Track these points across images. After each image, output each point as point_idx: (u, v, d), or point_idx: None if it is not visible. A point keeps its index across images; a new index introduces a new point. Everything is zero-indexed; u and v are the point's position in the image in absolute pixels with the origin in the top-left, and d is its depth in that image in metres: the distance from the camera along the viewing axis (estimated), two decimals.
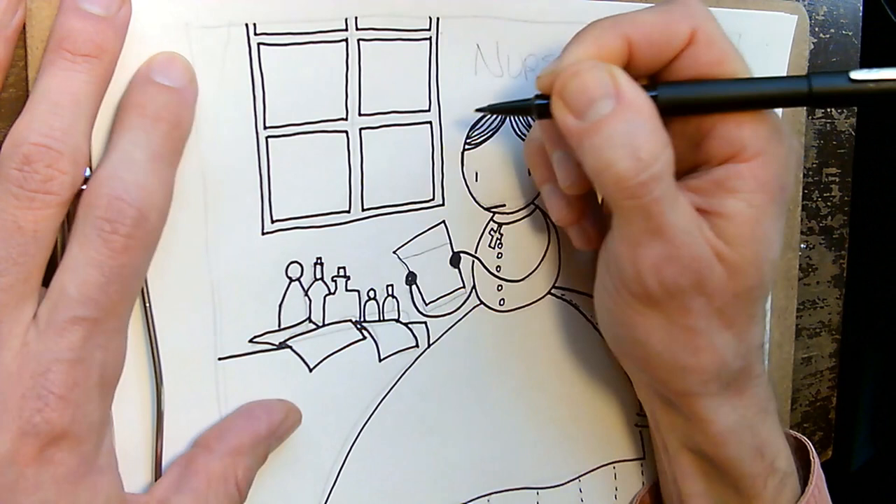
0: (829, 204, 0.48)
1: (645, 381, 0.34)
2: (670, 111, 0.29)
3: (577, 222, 0.33)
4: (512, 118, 0.35)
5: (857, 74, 0.29)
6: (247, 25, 0.28)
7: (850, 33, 0.47)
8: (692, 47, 0.29)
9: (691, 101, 0.29)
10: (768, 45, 0.42)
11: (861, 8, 0.47)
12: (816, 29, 0.45)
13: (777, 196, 0.29)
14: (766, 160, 0.29)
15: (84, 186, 0.24)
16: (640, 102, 0.27)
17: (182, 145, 0.26)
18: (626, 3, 0.37)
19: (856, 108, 0.48)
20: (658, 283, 0.28)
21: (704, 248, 0.28)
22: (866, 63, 0.48)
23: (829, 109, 0.47)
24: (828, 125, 0.47)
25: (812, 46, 0.44)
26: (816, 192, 0.48)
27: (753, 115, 0.29)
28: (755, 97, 0.29)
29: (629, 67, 0.29)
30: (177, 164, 0.26)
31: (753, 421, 0.33)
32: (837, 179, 0.48)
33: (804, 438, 0.38)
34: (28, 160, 0.23)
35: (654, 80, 0.31)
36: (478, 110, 0.33)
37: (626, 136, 0.27)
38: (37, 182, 0.23)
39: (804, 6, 0.44)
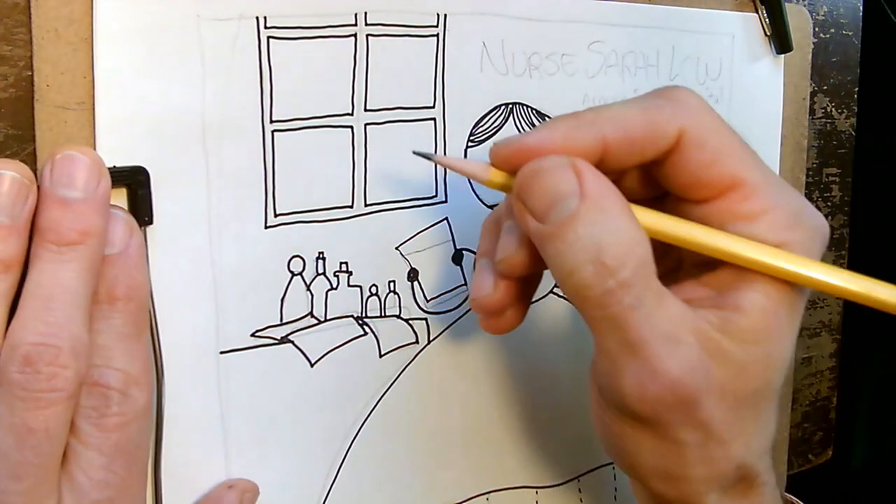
0: (829, 204, 0.48)
1: (640, 487, 0.31)
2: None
3: (498, 308, 0.29)
4: (515, 117, 0.35)
5: None
6: (257, 19, 0.28)
7: (850, 33, 0.47)
8: (682, 150, 0.26)
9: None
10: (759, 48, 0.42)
11: (861, 8, 0.47)
12: (816, 29, 0.45)
13: (796, 290, 0.26)
14: (788, 248, 0.26)
15: None
16: (606, 199, 0.25)
17: (147, 315, 0.26)
18: (631, 4, 0.37)
19: (856, 108, 0.48)
20: (641, 402, 0.25)
21: (696, 356, 0.25)
22: (866, 63, 0.48)
23: (828, 109, 0.48)
24: (828, 125, 0.48)
25: (812, 46, 0.45)
26: (816, 192, 0.48)
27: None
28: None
29: (603, 165, 0.26)
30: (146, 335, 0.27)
31: None
32: (837, 179, 0.49)
33: None
34: (28, 361, 0.23)
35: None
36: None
37: (589, 238, 0.24)
38: (41, 382, 0.23)
39: (804, 6, 0.44)
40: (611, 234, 0.24)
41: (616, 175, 0.28)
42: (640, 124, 0.26)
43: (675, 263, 0.29)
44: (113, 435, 0.24)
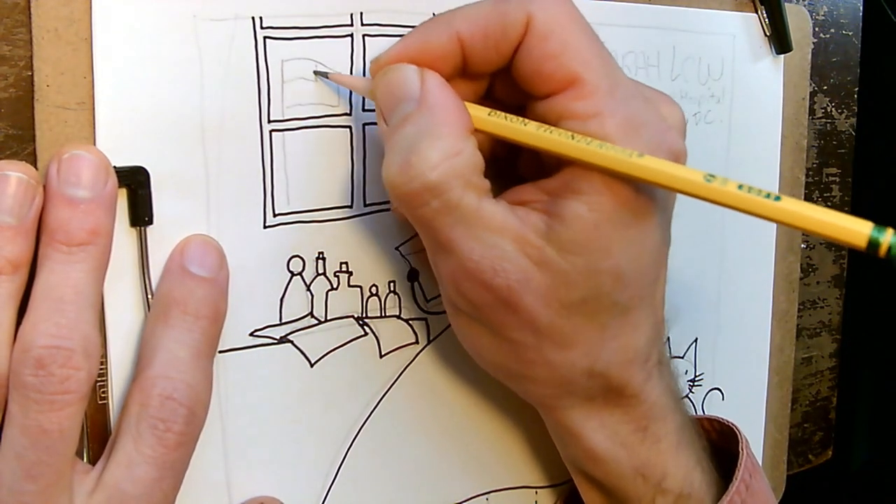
0: (829, 204, 0.48)
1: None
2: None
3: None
4: None
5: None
6: (253, 19, 0.28)
7: (850, 33, 0.47)
8: (527, 39, 0.26)
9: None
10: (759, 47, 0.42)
11: (861, 8, 0.47)
12: (816, 29, 0.45)
13: (630, 202, 0.26)
14: None
15: None
16: (441, 107, 0.25)
17: (219, 334, 0.28)
18: (631, 4, 0.37)
19: (856, 108, 0.48)
20: (459, 296, 0.27)
21: (515, 259, 0.25)
22: (866, 63, 0.48)
23: (828, 109, 0.48)
24: (828, 125, 0.48)
25: (812, 46, 0.45)
26: (816, 192, 0.48)
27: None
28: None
29: (469, 66, 0.27)
30: (214, 354, 0.28)
31: (629, 440, 0.29)
32: (837, 179, 0.49)
33: (736, 428, 0.34)
34: (41, 364, 0.23)
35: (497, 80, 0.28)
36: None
37: (410, 139, 0.25)
38: (54, 384, 0.23)
39: (804, 6, 0.44)
40: (429, 139, 0.25)
41: (485, 80, 0.29)
42: (489, 16, 0.26)
43: (536, 164, 0.29)
44: (172, 453, 0.25)
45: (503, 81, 0.29)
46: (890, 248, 0.23)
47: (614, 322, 0.27)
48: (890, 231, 0.23)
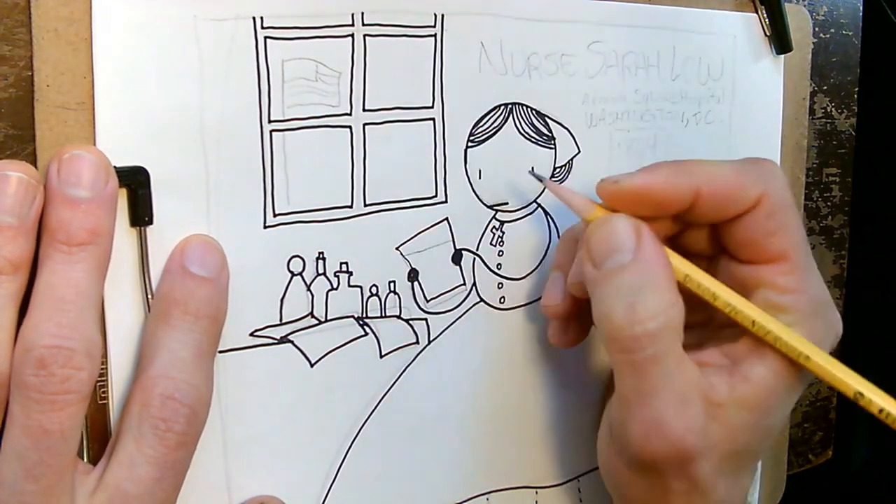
0: (829, 204, 0.48)
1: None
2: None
3: (563, 319, 0.33)
4: (515, 118, 0.35)
5: None
6: (254, 19, 0.28)
7: (850, 33, 0.47)
8: (755, 211, 0.29)
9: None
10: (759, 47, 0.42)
11: (861, 8, 0.47)
12: (816, 29, 0.45)
13: (799, 375, 0.29)
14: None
15: None
16: (655, 262, 0.28)
17: (220, 334, 0.28)
18: (631, 4, 0.37)
19: (856, 108, 0.48)
20: (643, 451, 0.28)
21: (700, 419, 0.27)
22: (866, 63, 0.48)
23: (828, 109, 0.48)
24: (828, 125, 0.48)
25: (812, 46, 0.45)
26: (816, 192, 0.48)
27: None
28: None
29: (690, 214, 0.30)
30: (215, 354, 0.28)
31: None
32: (837, 179, 0.49)
33: None
34: (43, 364, 0.23)
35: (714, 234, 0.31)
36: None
37: (631, 288, 0.27)
38: (55, 384, 0.23)
39: (804, 6, 0.44)
40: (650, 289, 0.27)
41: (690, 228, 0.32)
42: (731, 182, 0.29)
43: (705, 319, 0.32)
44: (173, 453, 0.25)
45: (696, 231, 0.32)
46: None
47: (748, 469, 0.30)
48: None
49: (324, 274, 0.31)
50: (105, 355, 0.27)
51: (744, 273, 0.30)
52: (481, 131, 0.34)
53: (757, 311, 0.29)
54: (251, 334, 0.30)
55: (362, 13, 0.30)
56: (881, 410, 0.27)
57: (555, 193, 0.32)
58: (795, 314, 0.29)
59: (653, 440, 0.27)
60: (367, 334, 0.32)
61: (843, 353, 0.50)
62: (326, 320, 0.31)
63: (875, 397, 0.27)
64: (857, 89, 0.48)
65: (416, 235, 0.33)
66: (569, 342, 0.34)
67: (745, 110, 0.42)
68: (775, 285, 0.29)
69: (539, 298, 0.37)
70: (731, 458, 0.29)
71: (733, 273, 0.30)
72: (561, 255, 0.33)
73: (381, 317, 0.33)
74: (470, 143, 0.34)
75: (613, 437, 0.30)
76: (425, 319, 0.34)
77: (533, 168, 0.33)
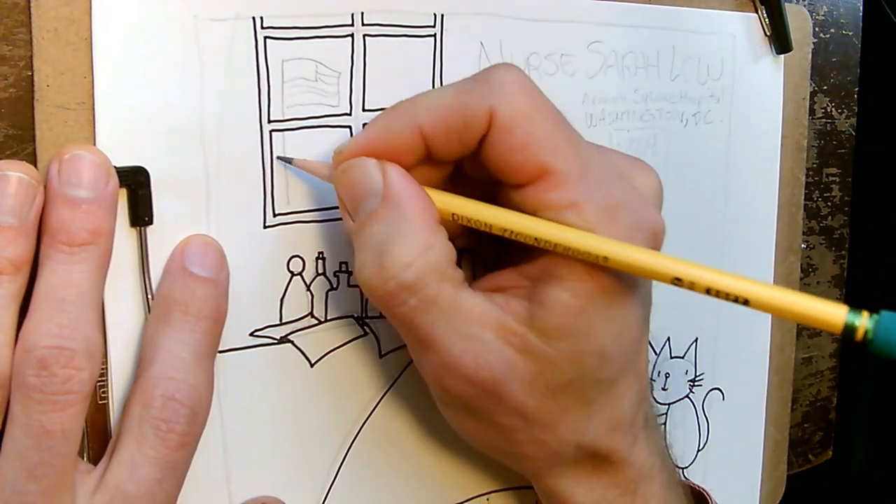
0: (829, 204, 0.48)
1: None
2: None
3: None
4: None
5: None
6: (254, 19, 0.28)
7: (850, 33, 0.47)
8: (491, 132, 0.25)
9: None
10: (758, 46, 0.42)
11: (861, 8, 0.47)
12: (816, 29, 0.45)
13: (610, 285, 0.26)
14: None
15: None
16: (407, 200, 0.25)
17: (221, 335, 0.28)
18: (631, 4, 0.37)
19: (856, 108, 0.48)
20: (443, 391, 0.27)
21: (497, 350, 0.25)
22: (866, 63, 0.48)
23: (828, 109, 0.48)
24: (828, 125, 0.48)
25: (812, 46, 0.45)
26: (816, 192, 0.48)
27: None
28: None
29: (433, 156, 0.26)
30: (215, 355, 0.28)
31: (617, 503, 0.30)
32: (837, 179, 0.49)
33: (706, 494, 0.35)
34: (44, 364, 0.23)
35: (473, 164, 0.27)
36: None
37: (378, 239, 0.25)
38: (56, 385, 0.23)
39: (804, 6, 0.44)
40: (400, 236, 0.25)
41: (451, 164, 0.28)
42: (451, 109, 0.25)
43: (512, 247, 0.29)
44: (174, 454, 0.25)
45: (472, 161, 0.28)
46: (866, 333, 0.23)
47: (600, 397, 0.27)
48: (865, 315, 0.23)
49: (323, 274, 0.31)
50: (105, 355, 0.27)
51: (519, 200, 0.26)
52: None
53: (538, 225, 0.25)
54: (251, 334, 0.30)
55: (362, 13, 0.30)
56: (709, 289, 0.24)
57: (303, 169, 0.29)
58: (583, 228, 0.25)
59: (448, 383, 0.26)
60: (366, 334, 0.32)
61: (843, 352, 0.51)
62: (326, 320, 0.31)
63: (698, 275, 0.24)
64: (857, 89, 0.48)
65: None
66: None
67: (744, 110, 0.42)
68: (548, 205, 0.25)
69: None
70: (564, 390, 0.26)
71: (513, 202, 0.26)
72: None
73: (380, 316, 0.33)
74: None
75: (431, 391, 0.28)
76: None
77: (280, 156, 0.30)
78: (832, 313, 0.23)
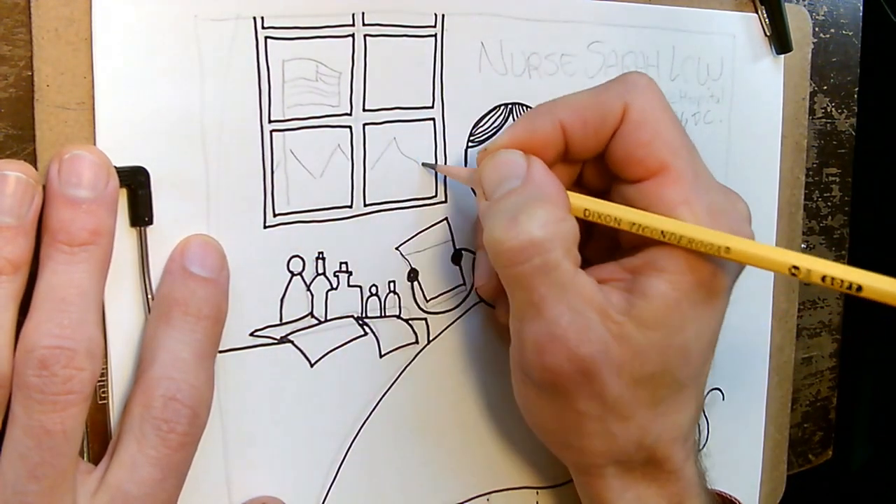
0: (829, 204, 0.48)
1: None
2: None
3: (500, 296, 0.31)
4: (515, 118, 0.35)
5: None
6: (254, 19, 0.28)
7: (850, 33, 0.47)
8: (624, 126, 0.28)
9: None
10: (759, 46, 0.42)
11: (861, 8, 0.47)
12: (816, 29, 0.45)
13: (708, 282, 0.27)
14: None
15: None
16: (546, 182, 0.27)
17: (221, 335, 0.28)
18: (631, 4, 0.37)
19: (856, 108, 0.48)
20: (538, 362, 0.27)
21: (598, 330, 0.26)
22: (866, 63, 0.48)
23: (828, 109, 0.48)
24: (828, 125, 0.48)
25: (812, 46, 0.45)
26: (816, 192, 0.48)
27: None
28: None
29: (569, 153, 0.29)
30: (216, 355, 0.28)
31: None
32: (837, 179, 0.49)
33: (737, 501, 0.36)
34: (44, 364, 0.23)
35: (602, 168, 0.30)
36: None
37: (515, 204, 0.26)
38: (57, 385, 0.23)
39: (804, 6, 0.44)
40: (537, 203, 0.26)
41: (578, 167, 0.31)
42: (589, 104, 0.28)
43: (611, 243, 0.31)
44: (175, 454, 0.25)
45: (592, 169, 0.31)
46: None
47: (670, 398, 0.28)
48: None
49: (323, 274, 0.31)
50: (105, 355, 0.27)
51: (634, 195, 0.28)
52: (481, 131, 0.34)
53: (664, 220, 0.27)
54: (251, 334, 0.30)
55: (362, 13, 0.30)
56: (824, 277, 0.25)
57: (446, 174, 0.31)
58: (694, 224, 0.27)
59: (549, 354, 0.26)
60: (366, 334, 0.32)
61: (843, 352, 0.51)
62: (326, 320, 0.31)
63: (814, 266, 0.25)
64: (857, 89, 0.48)
65: (415, 235, 0.33)
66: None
67: (744, 110, 0.42)
68: (662, 199, 0.27)
69: None
70: (645, 383, 0.27)
71: (627, 198, 0.29)
72: (480, 233, 0.31)
73: (380, 317, 0.33)
74: (470, 143, 0.34)
75: (514, 362, 0.29)
76: (425, 319, 0.34)
77: (423, 162, 0.32)
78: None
